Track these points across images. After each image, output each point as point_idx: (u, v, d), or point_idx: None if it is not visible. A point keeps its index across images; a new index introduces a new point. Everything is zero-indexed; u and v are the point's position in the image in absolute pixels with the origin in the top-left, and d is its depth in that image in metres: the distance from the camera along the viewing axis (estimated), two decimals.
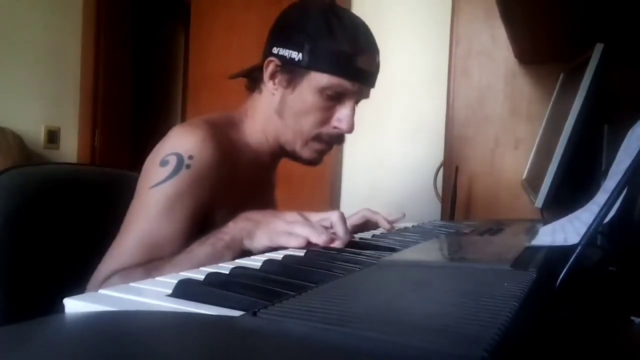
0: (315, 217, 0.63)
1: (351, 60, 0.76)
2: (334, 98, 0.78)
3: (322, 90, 0.77)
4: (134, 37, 2.77)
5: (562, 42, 1.00)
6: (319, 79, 0.76)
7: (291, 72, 0.78)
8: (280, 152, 0.86)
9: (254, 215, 0.65)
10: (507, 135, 1.23)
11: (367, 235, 0.74)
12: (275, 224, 0.61)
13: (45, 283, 0.74)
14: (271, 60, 0.79)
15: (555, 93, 1.08)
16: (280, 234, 0.59)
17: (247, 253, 0.60)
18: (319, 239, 0.56)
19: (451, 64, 1.29)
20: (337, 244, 0.57)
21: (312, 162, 0.85)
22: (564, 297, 0.38)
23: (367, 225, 0.85)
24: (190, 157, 0.71)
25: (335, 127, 0.80)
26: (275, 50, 0.78)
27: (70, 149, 2.41)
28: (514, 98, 1.23)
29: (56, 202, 0.79)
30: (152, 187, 0.70)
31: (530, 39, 1.06)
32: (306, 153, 0.83)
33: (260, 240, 0.61)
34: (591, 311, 0.43)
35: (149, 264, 0.66)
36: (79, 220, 0.82)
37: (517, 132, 1.22)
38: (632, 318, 0.41)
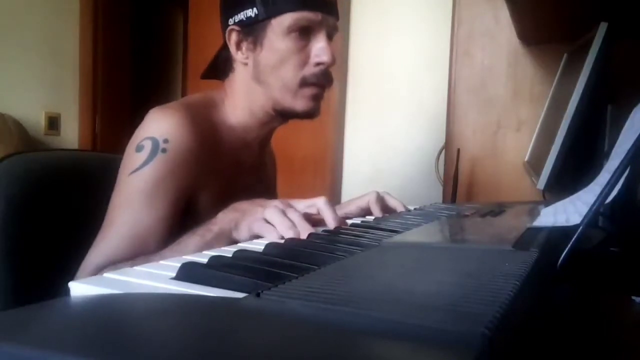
0: (301, 204, 0.62)
1: None
2: (303, 36, 0.76)
3: (288, 32, 0.75)
4: (133, 22, 2.74)
5: (566, 21, 0.99)
6: (281, 21, 0.75)
7: (253, 31, 0.77)
8: (273, 120, 0.83)
9: (242, 205, 0.64)
10: (509, 117, 1.22)
11: (369, 218, 0.74)
12: (255, 213, 0.60)
13: (48, 268, 0.74)
14: (231, 30, 0.78)
15: (558, 74, 1.07)
16: (258, 222, 0.58)
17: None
18: (286, 232, 0.55)
19: (453, 45, 1.28)
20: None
21: (310, 113, 0.81)
22: (565, 277, 0.38)
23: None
24: (166, 141, 0.70)
25: (317, 64, 0.77)
26: (231, 20, 0.78)
27: (71, 135, 2.41)
28: (516, 79, 1.21)
29: (58, 188, 0.80)
30: (130, 174, 0.70)
31: (534, 19, 1.04)
32: (299, 104, 0.79)
33: (243, 230, 0.60)
34: (592, 291, 0.43)
35: (138, 258, 0.66)
36: (81, 205, 0.82)
37: (520, 114, 1.21)
38: (633, 298, 0.41)
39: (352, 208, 0.80)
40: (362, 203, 0.80)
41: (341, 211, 0.79)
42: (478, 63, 1.25)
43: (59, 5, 2.33)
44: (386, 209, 0.79)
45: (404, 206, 0.81)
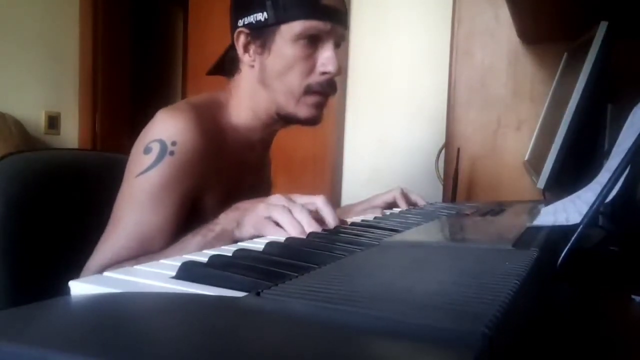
0: (299, 200, 0.61)
1: (315, 0, 0.76)
2: (311, 44, 0.77)
3: (297, 39, 0.76)
4: (133, 21, 2.74)
5: (566, 20, 0.99)
6: (291, 28, 0.76)
7: (262, 34, 0.77)
8: (275, 123, 0.85)
9: (244, 204, 0.64)
10: (509, 116, 1.22)
11: (369, 217, 0.74)
12: (257, 209, 0.59)
13: (48, 267, 0.75)
14: (240, 32, 0.78)
15: (558, 73, 1.07)
16: (262, 222, 0.58)
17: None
18: (295, 231, 0.54)
19: (453, 43, 1.28)
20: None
21: (312, 120, 0.82)
22: (565, 277, 0.38)
23: (395, 204, 0.88)
24: (174, 143, 0.71)
25: (322, 73, 0.79)
26: (240, 22, 0.78)
27: (70, 134, 2.41)
28: (516, 78, 1.21)
29: (58, 188, 0.80)
30: (137, 175, 0.70)
31: (534, 18, 1.04)
32: (302, 111, 0.80)
33: (246, 228, 0.60)
34: (592, 290, 0.43)
35: (141, 258, 0.66)
36: (81, 205, 0.82)
37: (520, 113, 1.21)
38: (633, 297, 0.41)
39: (379, 202, 0.86)
40: (387, 198, 0.87)
41: (368, 204, 0.85)
42: (478, 62, 1.25)
43: (59, 5, 2.32)
44: (410, 203, 0.87)
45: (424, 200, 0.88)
